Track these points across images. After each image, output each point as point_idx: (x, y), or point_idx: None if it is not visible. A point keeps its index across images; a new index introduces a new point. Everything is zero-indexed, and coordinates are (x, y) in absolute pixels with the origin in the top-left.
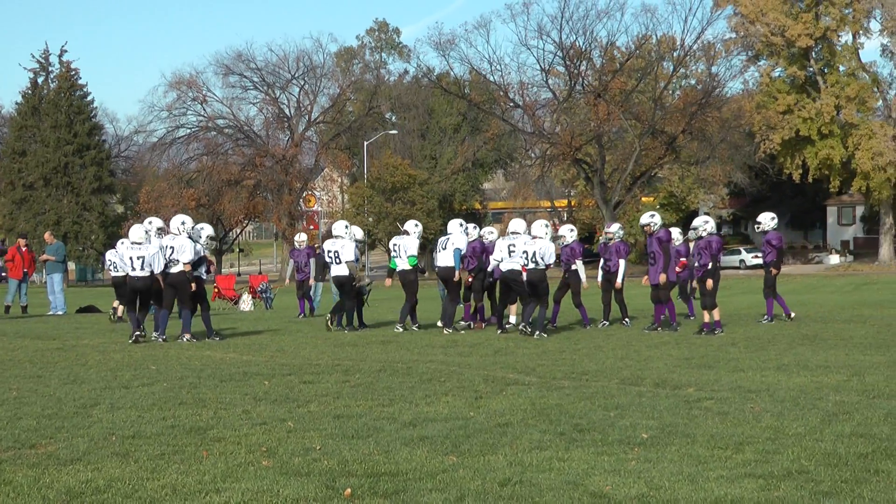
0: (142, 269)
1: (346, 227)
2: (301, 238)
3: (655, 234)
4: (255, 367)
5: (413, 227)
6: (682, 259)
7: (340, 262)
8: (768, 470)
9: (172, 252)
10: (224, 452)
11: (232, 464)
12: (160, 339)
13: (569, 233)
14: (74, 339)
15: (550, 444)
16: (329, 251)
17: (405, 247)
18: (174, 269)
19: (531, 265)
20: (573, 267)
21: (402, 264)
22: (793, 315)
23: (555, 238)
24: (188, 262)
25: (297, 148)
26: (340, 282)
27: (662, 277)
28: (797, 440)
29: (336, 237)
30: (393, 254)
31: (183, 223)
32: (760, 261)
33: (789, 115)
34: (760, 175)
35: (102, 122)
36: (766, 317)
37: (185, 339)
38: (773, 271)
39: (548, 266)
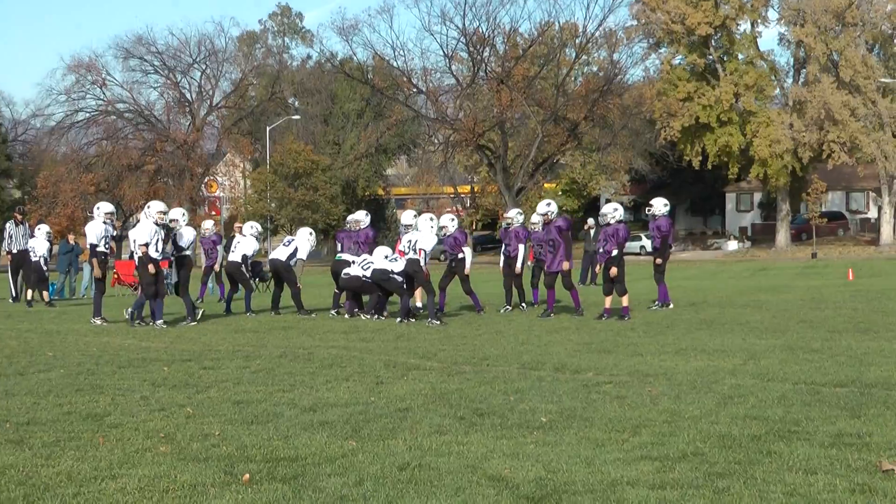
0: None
1: (311, 233)
2: (207, 225)
3: (553, 222)
4: (154, 353)
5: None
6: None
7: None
8: (664, 452)
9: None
10: (121, 439)
11: (129, 450)
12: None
13: (450, 223)
14: None
15: (450, 429)
16: (289, 239)
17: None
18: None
19: (410, 253)
20: (460, 255)
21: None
22: (671, 305)
23: (441, 229)
24: (143, 245)
25: (199, 133)
26: (276, 267)
27: (566, 265)
28: (693, 423)
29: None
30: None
31: (149, 207)
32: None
33: (689, 102)
34: (661, 162)
35: None
36: (656, 303)
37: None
38: (658, 261)
39: (419, 251)
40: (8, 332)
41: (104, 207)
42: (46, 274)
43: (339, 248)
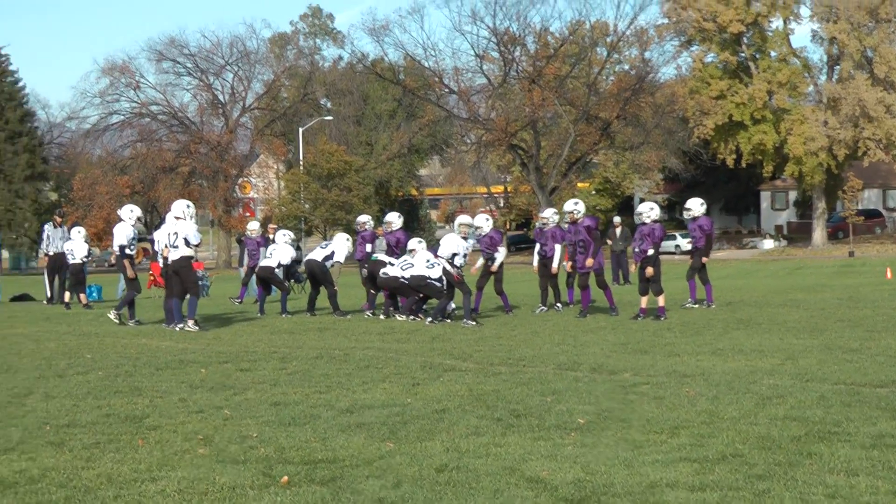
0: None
1: (347, 238)
2: (253, 226)
3: (580, 221)
4: (191, 355)
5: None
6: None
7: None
8: (703, 454)
9: (176, 237)
10: (160, 441)
11: (168, 452)
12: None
13: (485, 222)
14: (8, 327)
15: (487, 430)
16: (326, 243)
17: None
18: (175, 255)
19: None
20: (495, 255)
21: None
22: (713, 305)
23: (475, 229)
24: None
25: (232, 134)
26: (311, 268)
27: (589, 261)
28: (732, 424)
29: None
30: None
31: (188, 206)
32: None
33: (722, 100)
34: (694, 160)
35: (34, 109)
36: (689, 300)
37: (188, 326)
38: (705, 259)
39: (437, 256)
40: (46, 335)
41: (136, 211)
42: (85, 276)
43: (368, 249)
